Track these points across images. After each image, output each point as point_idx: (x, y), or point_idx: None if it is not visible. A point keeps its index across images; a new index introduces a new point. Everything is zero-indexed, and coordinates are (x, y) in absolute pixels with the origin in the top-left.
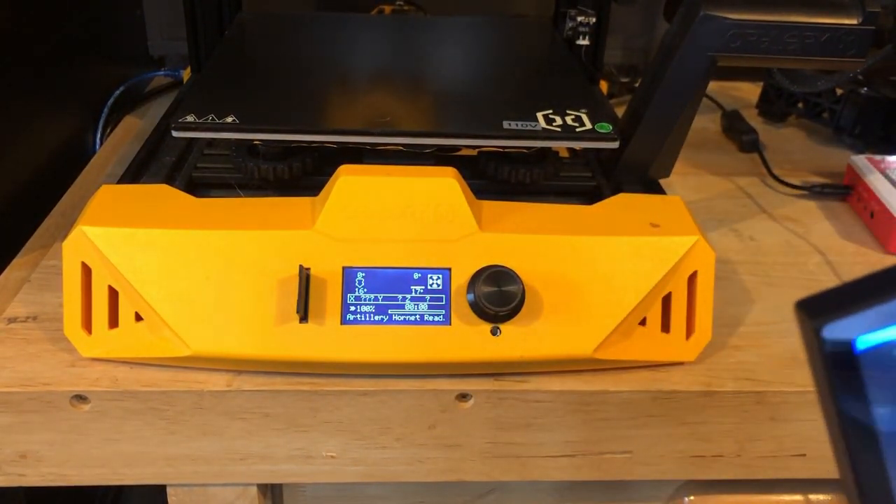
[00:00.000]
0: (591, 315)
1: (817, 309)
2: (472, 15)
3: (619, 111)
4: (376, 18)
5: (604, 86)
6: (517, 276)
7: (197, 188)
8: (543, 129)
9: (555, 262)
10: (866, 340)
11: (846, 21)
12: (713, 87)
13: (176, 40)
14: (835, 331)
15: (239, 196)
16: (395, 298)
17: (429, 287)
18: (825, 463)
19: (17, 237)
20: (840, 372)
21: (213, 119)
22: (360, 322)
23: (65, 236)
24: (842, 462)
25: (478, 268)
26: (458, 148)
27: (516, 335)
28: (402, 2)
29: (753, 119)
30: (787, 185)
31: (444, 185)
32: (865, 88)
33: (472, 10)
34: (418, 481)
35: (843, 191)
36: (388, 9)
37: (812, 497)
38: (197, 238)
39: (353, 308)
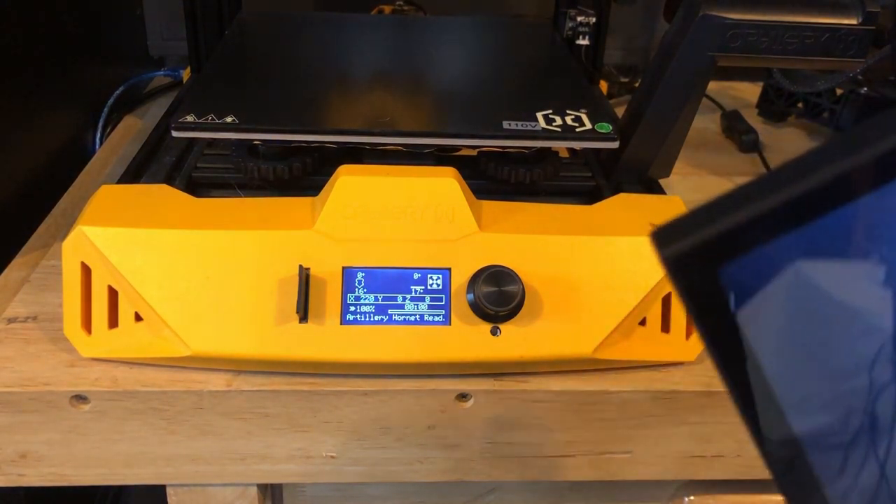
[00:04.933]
0: (591, 315)
1: (668, 238)
2: (472, 15)
3: (619, 111)
4: (376, 18)
5: (604, 86)
6: (517, 276)
7: (197, 188)
8: (543, 129)
9: (555, 262)
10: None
11: (846, 21)
12: (713, 87)
13: (176, 40)
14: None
15: (239, 196)
16: (395, 298)
17: (429, 287)
18: None
19: (17, 237)
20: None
21: (212, 119)
22: (360, 322)
23: (65, 236)
24: (719, 369)
25: (478, 268)
26: (458, 148)
27: (516, 335)
28: (402, 2)
29: (753, 119)
30: None
31: (444, 185)
32: (865, 88)
33: (472, 10)
34: (418, 481)
35: None
36: (387, 9)
37: None
38: (197, 238)
39: (352, 308)
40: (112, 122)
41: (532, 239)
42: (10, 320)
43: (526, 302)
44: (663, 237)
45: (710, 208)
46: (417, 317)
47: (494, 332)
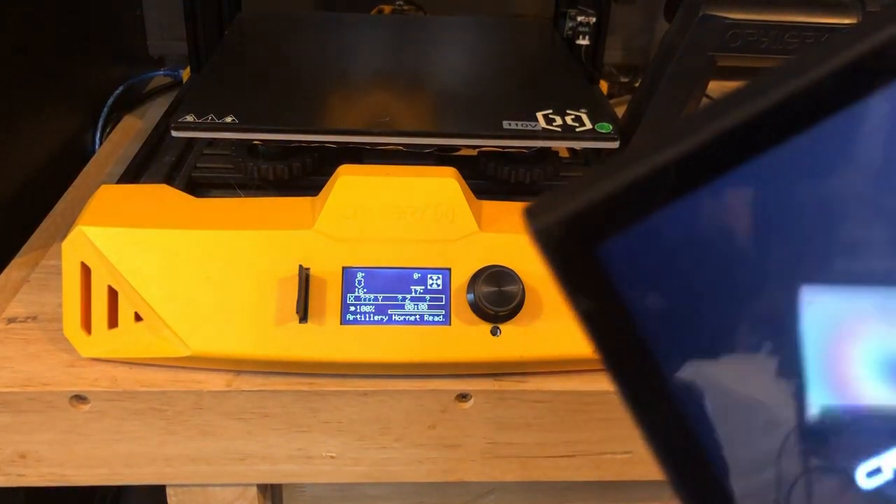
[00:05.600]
0: None
1: (541, 210)
2: (472, 15)
3: (619, 111)
4: (376, 18)
5: (604, 86)
6: (517, 276)
7: (197, 188)
8: (543, 129)
9: None
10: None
11: (846, 21)
12: (713, 87)
13: (176, 40)
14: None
15: (239, 196)
16: (395, 298)
17: (429, 287)
18: None
19: (17, 237)
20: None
21: (212, 119)
22: (360, 322)
23: (64, 236)
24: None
25: (478, 268)
26: (458, 148)
27: (516, 335)
28: (402, 2)
29: None
30: None
31: (444, 185)
32: None
33: (472, 10)
34: (418, 481)
35: None
36: (387, 9)
37: None
38: (197, 238)
39: (352, 308)
40: (112, 122)
41: None
42: (10, 320)
43: (526, 302)
44: (537, 210)
45: (593, 175)
46: (417, 317)
47: (494, 332)
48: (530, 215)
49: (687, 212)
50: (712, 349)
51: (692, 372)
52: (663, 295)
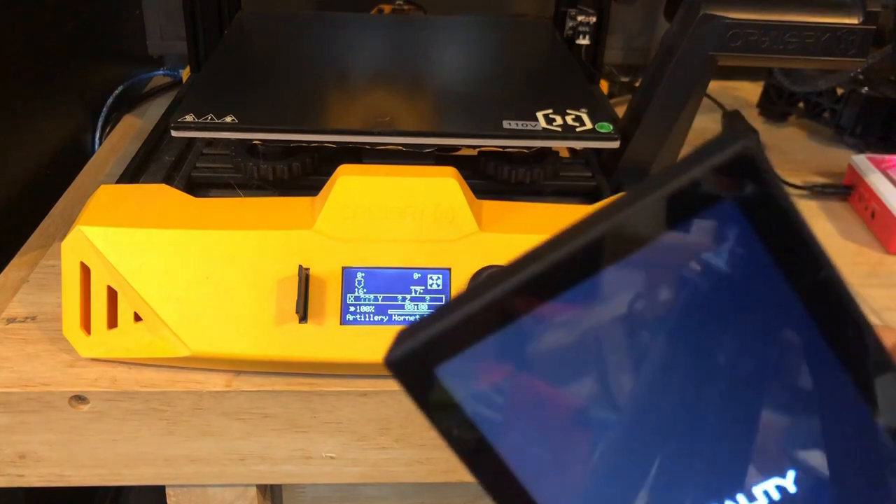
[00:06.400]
0: None
1: (397, 342)
2: (472, 15)
3: (619, 111)
4: (376, 18)
5: (604, 86)
6: None
7: (196, 188)
8: (543, 128)
9: None
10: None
11: (847, 20)
12: (713, 87)
13: (175, 40)
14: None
15: (238, 196)
16: (395, 299)
17: (429, 287)
18: None
19: (17, 237)
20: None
21: (212, 119)
22: (360, 322)
23: (64, 236)
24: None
25: (478, 268)
26: (458, 148)
27: None
28: (402, 1)
29: (754, 119)
30: (787, 184)
31: (444, 185)
32: (866, 88)
33: (472, 10)
34: (418, 482)
35: (844, 191)
36: (387, 8)
37: None
38: (196, 238)
39: (352, 308)
40: (111, 122)
41: (532, 239)
42: (9, 320)
43: None
44: (396, 341)
45: (433, 315)
46: (417, 317)
47: None
48: (392, 346)
49: (496, 346)
50: (544, 452)
51: (535, 470)
52: (495, 407)
